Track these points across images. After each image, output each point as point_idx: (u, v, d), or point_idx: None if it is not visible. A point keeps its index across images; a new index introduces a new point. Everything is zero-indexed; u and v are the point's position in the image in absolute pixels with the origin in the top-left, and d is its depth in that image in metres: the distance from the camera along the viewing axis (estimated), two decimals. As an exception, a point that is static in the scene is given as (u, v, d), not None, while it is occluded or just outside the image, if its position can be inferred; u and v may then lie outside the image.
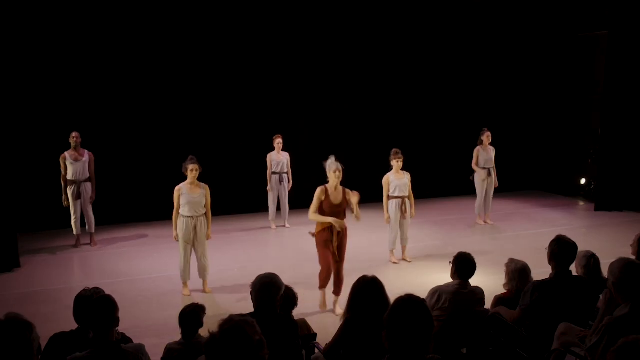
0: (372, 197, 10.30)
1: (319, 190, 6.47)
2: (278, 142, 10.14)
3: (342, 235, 6.46)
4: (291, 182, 10.36)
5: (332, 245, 6.41)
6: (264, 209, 10.51)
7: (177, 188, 7.07)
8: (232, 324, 2.39)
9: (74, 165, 8.96)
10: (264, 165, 10.25)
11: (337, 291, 6.59)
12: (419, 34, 12.50)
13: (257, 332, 2.41)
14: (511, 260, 5.19)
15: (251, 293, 3.93)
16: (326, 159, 6.55)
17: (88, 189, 9.11)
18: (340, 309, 6.03)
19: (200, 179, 7.14)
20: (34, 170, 9.98)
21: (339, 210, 6.45)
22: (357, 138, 12.31)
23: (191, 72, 11.04)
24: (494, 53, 13.08)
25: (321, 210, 6.40)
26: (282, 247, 9.69)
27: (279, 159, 10.18)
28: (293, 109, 11.85)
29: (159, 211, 10.03)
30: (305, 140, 11.82)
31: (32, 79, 9.97)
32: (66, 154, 8.98)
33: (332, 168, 6.47)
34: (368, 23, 12.07)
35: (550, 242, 4.59)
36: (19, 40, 9.62)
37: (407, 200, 8.37)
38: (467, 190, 10.94)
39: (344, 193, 6.49)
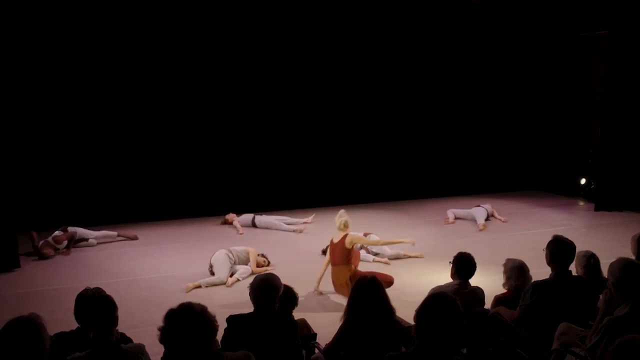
0: (371, 197, 10.36)
1: None
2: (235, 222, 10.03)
3: None
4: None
5: None
6: (265, 208, 10.49)
7: None
8: (174, 308, 2.89)
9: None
10: (264, 165, 10.20)
11: None
12: (419, 34, 12.48)
13: (198, 304, 2.90)
14: (508, 260, 5.21)
15: (250, 294, 3.93)
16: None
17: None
18: None
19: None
20: (34, 170, 9.96)
21: None
22: (356, 138, 12.26)
23: (193, 73, 11.01)
24: (494, 53, 13.07)
25: None
26: (282, 247, 9.68)
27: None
28: (293, 108, 11.83)
29: (159, 211, 10.01)
30: (306, 139, 11.82)
31: (34, 78, 9.96)
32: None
33: None
34: (369, 23, 12.06)
35: (547, 244, 4.59)
36: (20, 40, 9.62)
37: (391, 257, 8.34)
38: (467, 190, 10.93)
39: None
